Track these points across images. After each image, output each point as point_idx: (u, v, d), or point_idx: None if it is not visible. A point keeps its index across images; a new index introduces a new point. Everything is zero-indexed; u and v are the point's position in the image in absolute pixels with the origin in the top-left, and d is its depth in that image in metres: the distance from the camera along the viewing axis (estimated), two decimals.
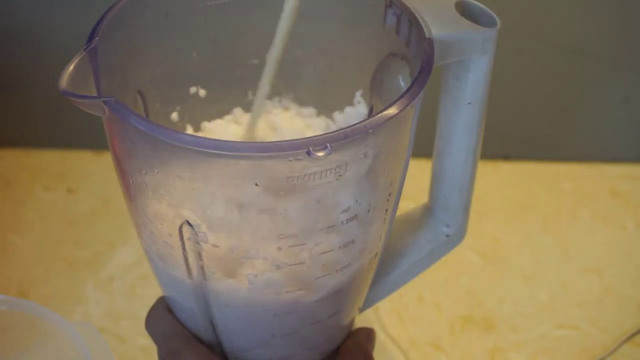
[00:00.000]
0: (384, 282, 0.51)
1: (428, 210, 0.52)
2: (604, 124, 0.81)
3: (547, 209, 0.77)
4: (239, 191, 0.39)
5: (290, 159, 0.36)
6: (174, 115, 0.49)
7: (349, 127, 0.37)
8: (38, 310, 0.50)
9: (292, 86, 0.51)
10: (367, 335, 0.50)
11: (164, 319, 0.48)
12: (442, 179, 0.50)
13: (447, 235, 0.52)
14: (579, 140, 0.82)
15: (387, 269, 0.51)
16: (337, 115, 0.51)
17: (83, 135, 0.79)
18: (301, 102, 0.52)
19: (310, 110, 0.52)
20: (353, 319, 0.50)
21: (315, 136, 0.36)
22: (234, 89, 0.51)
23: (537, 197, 0.79)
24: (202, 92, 0.50)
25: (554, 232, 0.75)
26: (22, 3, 0.73)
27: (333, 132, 0.36)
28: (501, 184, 0.80)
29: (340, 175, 0.38)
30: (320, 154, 0.36)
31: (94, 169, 0.80)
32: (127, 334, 0.66)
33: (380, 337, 0.66)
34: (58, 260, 0.72)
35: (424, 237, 0.52)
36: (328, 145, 0.36)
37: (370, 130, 0.37)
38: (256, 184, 0.38)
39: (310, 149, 0.36)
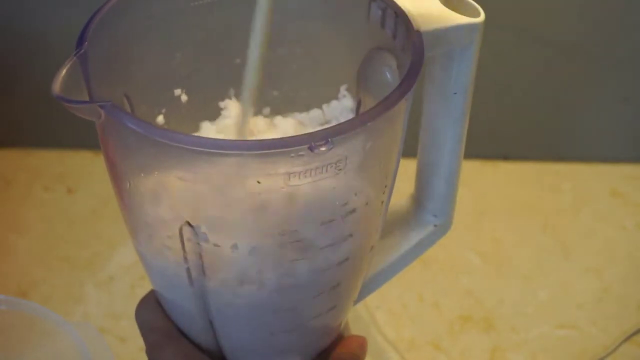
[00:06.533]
0: (375, 274, 0.51)
1: (415, 202, 0.52)
2: (604, 124, 0.81)
3: (547, 209, 0.77)
4: (240, 189, 0.39)
5: (292, 155, 0.36)
6: (160, 118, 0.49)
7: (349, 120, 0.37)
8: (38, 310, 0.50)
9: (276, 84, 0.51)
10: (360, 343, 0.50)
11: (152, 311, 0.48)
12: (428, 169, 0.50)
13: (435, 225, 0.52)
14: (579, 140, 0.82)
15: (377, 261, 0.51)
16: (323, 109, 0.51)
17: (83, 135, 0.78)
18: (286, 100, 0.51)
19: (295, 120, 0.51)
20: (347, 313, 0.50)
21: (317, 131, 0.36)
22: (219, 90, 0.50)
23: (537, 197, 0.79)
24: (187, 94, 0.49)
25: (554, 232, 0.75)
26: (22, 3, 0.73)
27: (333, 126, 0.37)
28: (501, 184, 0.80)
29: (339, 170, 0.38)
30: (323, 148, 0.36)
31: (94, 169, 0.79)
32: (127, 334, 0.66)
33: (378, 338, 0.66)
34: (58, 260, 0.71)
35: (412, 228, 0.52)
36: (329, 139, 0.36)
37: (369, 123, 0.37)
38: (258, 182, 0.38)
39: (313, 144, 0.36)
